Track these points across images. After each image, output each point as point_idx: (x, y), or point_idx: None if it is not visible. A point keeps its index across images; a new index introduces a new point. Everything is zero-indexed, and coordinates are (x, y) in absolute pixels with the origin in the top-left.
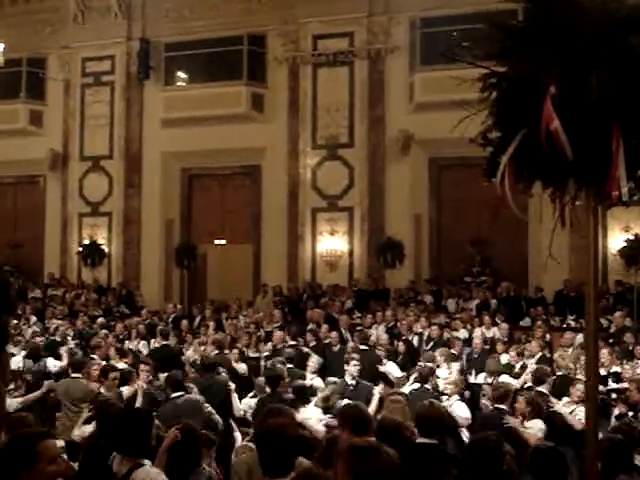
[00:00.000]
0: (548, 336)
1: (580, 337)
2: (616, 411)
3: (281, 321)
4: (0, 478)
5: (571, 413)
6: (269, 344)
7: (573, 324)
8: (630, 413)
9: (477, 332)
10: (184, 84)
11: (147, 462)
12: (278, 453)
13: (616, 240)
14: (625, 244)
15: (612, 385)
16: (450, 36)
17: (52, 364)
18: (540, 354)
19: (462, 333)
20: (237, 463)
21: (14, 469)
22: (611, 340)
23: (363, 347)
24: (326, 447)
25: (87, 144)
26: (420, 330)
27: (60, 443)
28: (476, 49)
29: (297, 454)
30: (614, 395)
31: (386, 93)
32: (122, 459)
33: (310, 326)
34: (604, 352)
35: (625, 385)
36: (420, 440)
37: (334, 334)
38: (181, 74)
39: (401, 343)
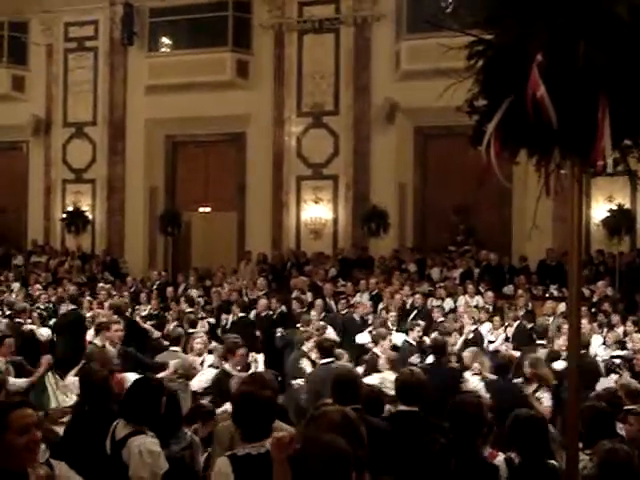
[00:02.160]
0: (530, 305)
1: (562, 306)
2: (615, 377)
3: (265, 289)
4: None
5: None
6: (253, 312)
7: (555, 293)
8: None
9: (461, 301)
10: (168, 50)
11: (150, 433)
12: (252, 417)
13: (599, 210)
14: (608, 214)
15: (617, 352)
16: (437, 4)
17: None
18: (517, 322)
19: (447, 302)
20: (219, 429)
21: None
22: (593, 309)
23: None
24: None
25: (70, 110)
26: (404, 299)
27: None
28: (463, 16)
29: (272, 417)
30: (618, 361)
31: (372, 61)
32: (125, 424)
33: (294, 294)
34: (584, 322)
35: (630, 353)
36: (401, 408)
37: (319, 302)
38: (165, 40)
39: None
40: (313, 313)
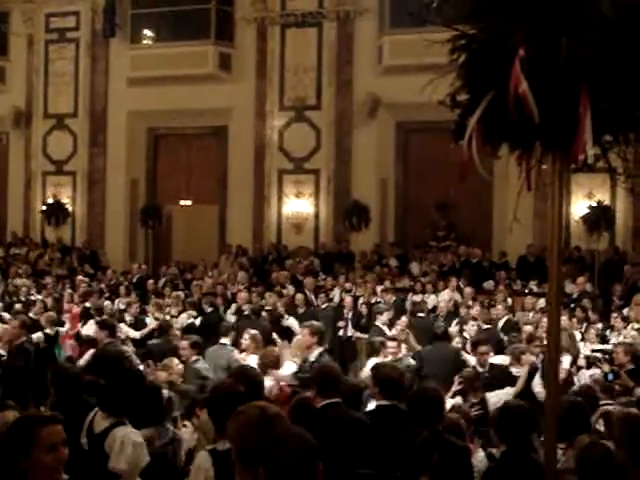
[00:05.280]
0: (510, 300)
1: (542, 301)
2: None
3: (246, 282)
4: (2, 464)
5: None
6: (234, 305)
7: (535, 289)
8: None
9: (442, 296)
10: (150, 42)
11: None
12: (226, 412)
13: (579, 206)
14: (588, 211)
15: (598, 346)
16: None
17: None
18: (506, 318)
19: (430, 297)
20: (202, 423)
21: (14, 455)
22: (572, 305)
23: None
24: (294, 406)
25: (51, 102)
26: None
27: None
28: (446, 11)
29: None
30: (599, 355)
31: (354, 55)
32: (105, 416)
33: (275, 288)
34: (563, 318)
35: (610, 347)
36: (381, 402)
37: (299, 296)
38: (148, 32)
39: (364, 306)
40: None
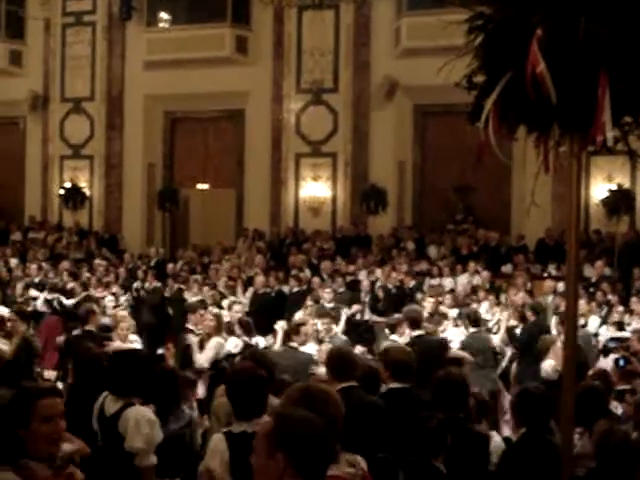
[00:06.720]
0: (529, 284)
1: (561, 285)
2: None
3: (263, 266)
4: (1, 433)
5: None
6: (250, 289)
7: (554, 272)
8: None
9: (461, 279)
10: (167, 25)
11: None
12: (245, 395)
13: (599, 190)
14: (608, 194)
15: (615, 334)
16: None
17: None
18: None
19: (448, 281)
20: (216, 406)
21: (13, 425)
22: (592, 289)
23: None
24: None
25: (68, 85)
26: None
27: None
28: None
29: (265, 395)
30: (614, 344)
31: (372, 38)
32: (115, 399)
33: (292, 272)
34: (581, 302)
35: (627, 334)
36: (394, 385)
37: (316, 280)
38: (164, 15)
39: (380, 290)
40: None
